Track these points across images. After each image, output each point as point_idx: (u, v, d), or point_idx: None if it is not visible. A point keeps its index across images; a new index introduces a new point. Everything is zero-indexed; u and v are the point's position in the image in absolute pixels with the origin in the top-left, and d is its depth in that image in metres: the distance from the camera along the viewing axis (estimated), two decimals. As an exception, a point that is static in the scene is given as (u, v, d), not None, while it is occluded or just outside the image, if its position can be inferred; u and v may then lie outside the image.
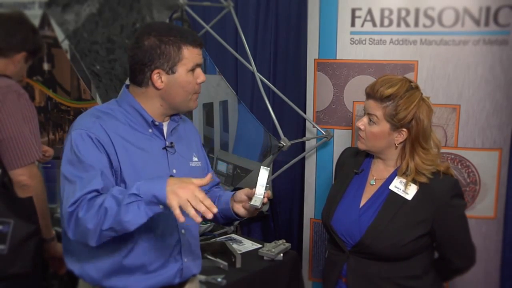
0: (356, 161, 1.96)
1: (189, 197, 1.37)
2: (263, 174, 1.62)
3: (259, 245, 2.57)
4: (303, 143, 2.70)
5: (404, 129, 1.77)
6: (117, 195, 1.42)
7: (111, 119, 1.60)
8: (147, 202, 1.40)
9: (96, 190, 1.47)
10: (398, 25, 2.36)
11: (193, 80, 1.63)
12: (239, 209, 1.72)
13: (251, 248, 2.55)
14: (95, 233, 1.43)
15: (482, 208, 2.37)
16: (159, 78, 1.59)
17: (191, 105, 1.68)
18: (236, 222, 2.93)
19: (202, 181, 1.44)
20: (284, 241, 2.54)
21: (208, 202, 1.40)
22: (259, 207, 1.62)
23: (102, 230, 1.42)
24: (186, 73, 1.60)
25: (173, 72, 1.59)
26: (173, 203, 1.37)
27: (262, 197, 1.62)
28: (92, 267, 1.61)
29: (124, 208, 1.38)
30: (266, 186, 1.64)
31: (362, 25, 2.41)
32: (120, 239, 1.55)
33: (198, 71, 1.64)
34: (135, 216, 1.40)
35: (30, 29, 2.22)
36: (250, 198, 1.65)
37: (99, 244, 1.51)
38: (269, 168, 1.64)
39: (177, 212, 1.37)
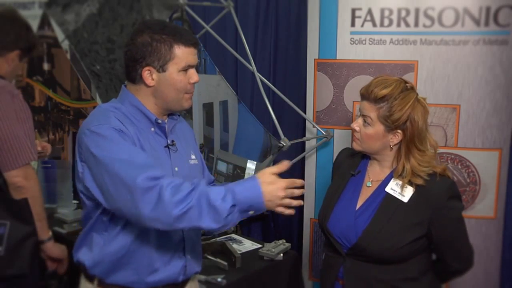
0: (353, 162, 1.94)
1: (281, 202, 1.47)
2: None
3: (259, 245, 2.57)
4: (303, 143, 2.70)
5: (399, 131, 1.74)
6: (211, 195, 1.42)
7: (118, 116, 1.60)
8: (242, 210, 1.45)
9: (163, 175, 1.47)
10: (398, 25, 2.36)
11: (185, 80, 1.62)
12: None
13: (251, 248, 2.55)
14: (181, 220, 1.42)
15: (482, 208, 2.36)
16: (149, 75, 1.59)
17: (184, 104, 1.66)
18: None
19: (280, 169, 1.50)
20: (284, 241, 2.54)
21: (296, 192, 1.50)
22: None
23: (194, 225, 1.44)
24: (177, 73, 1.60)
25: (164, 71, 1.59)
26: (274, 209, 1.48)
27: None
28: (99, 261, 1.63)
29: (225, 219, 1.43)
30: None
31: (362, 25, 2.41)
32: (127, 237, 1.57)
33: (191, 71, 1.63)
34: (230, 223, 1.46)
35: (23, 26, 2.20)
36: None
37: (111, 240, 1.59)
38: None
39: (284, 212, 1.49)
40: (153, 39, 1.57)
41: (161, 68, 1.59)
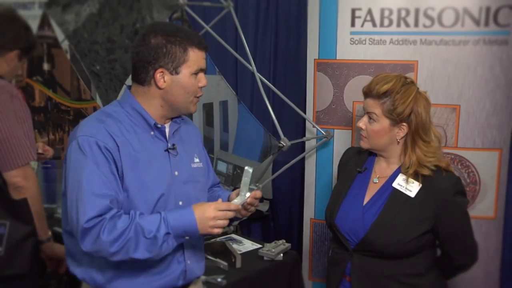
0: (359, 160, 1.98)
1: (214, 223, 1.55)
2: (246, 174, 1.65)
3: (259, 245, 2.57)
4: (303, 143, 2.70)
5: (404, 124, 1.80)
6: (145, 227, 1.49)
7: (115, 122, 1.59)
8: (176, 236, 1.53)
9: (110, 208, 1.50)
10: (398, 25, 2.36)
11: (195, 83, 1.63)
12: None
13: (251, 248, 2.55)
14: (118, 255, 1.49)
15: (482, 208, 2.36)
16: (162, 77, 1.58)
17: (191, 108, 1.67)
18: (236, 222, 2.94)
19: (220, 205, 1.58)
20: (284, 241, 2.54)
21: (229, 214, 1.58)
22: (239, 206, 1.67)
23: (130, 257, 1.50)
24: (189, 76, 1.60)
25: (177, 73, 1.59)
26: (210, 231, 1.55)
27: (245, 196, 1.67)
28: (95, 271, 1.61)
29: (160, 247, 1.51)
30: (255, 186, 1.68)
31: (362, 25, 2.41)
32: None
33: (201, 75, 1.64)
34: (165, 250, 1.54)
35: (22, 26, 2.19)
36: None
37: None
38: (252, 169, 1.67)
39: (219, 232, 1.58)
40: (167, 41, 1.57)
41: (175, 71, 1.58)
